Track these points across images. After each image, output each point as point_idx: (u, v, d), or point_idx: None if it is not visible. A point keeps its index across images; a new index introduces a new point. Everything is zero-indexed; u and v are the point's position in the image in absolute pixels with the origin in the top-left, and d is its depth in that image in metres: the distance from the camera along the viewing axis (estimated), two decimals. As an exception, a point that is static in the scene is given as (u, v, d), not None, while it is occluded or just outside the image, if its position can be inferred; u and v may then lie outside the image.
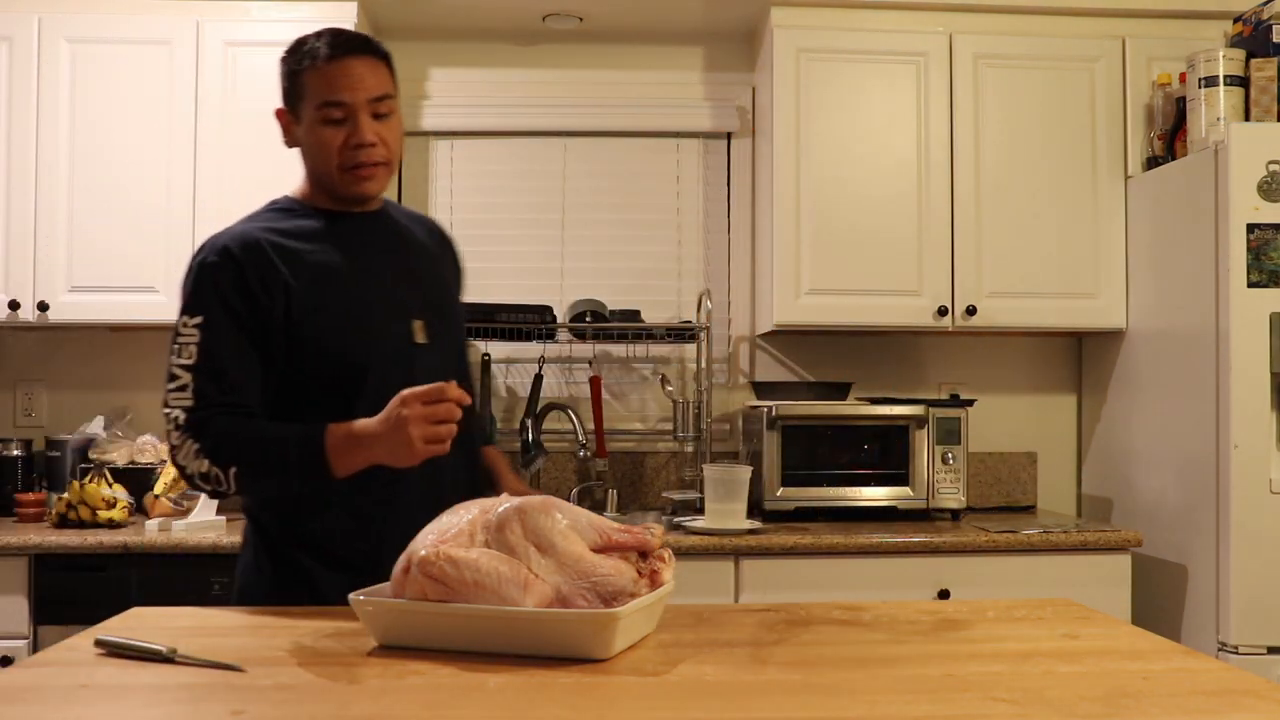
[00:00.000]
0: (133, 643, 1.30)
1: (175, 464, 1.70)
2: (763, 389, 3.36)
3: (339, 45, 1.77)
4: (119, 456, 3.21)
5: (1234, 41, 3.11)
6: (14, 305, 3.08)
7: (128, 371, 3.45)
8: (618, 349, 3.56)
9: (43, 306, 3.09)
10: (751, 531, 2.87)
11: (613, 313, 3.38)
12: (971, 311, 3.23)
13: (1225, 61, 3.00)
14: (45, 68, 3.11)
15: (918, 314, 3.24)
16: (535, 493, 1.77)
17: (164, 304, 3.10)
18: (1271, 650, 2.72)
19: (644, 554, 1.36)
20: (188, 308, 1.73)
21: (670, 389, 3.51)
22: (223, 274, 1.72)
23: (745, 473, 2.92)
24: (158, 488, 3.00)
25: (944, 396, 3.49)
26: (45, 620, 2.73)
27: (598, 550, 1.34)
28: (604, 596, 1.29)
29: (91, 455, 3.22)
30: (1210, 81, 3.00)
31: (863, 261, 3.22)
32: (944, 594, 2.83)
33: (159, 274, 3.11)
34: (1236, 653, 2.72)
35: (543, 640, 1.27)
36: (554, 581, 1.30)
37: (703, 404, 3.42)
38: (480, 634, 1.29)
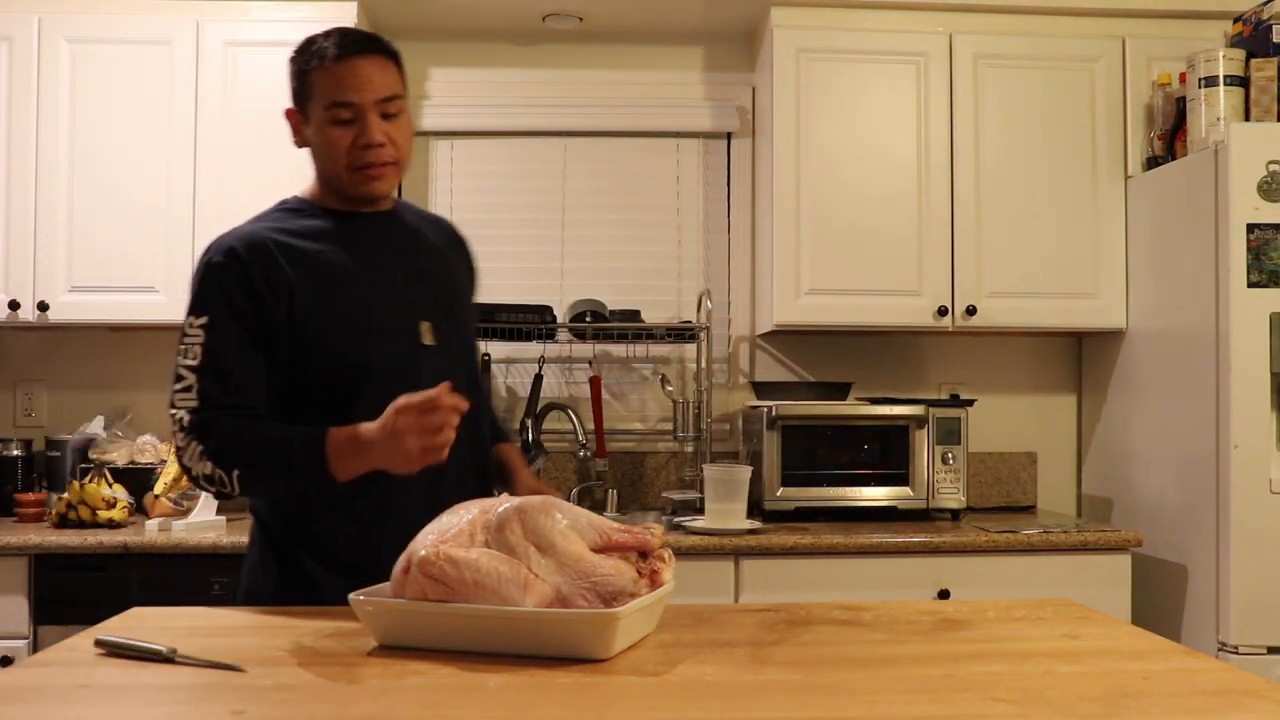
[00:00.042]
0: (133, 643, 1.30)
1: (181, 465, 1.70)
2: (763, 389, 3.36)
3: (347, 45, 1.76)
4: (119, 456, 3.21)
5: (1234, 41, 3.11)
6: (14, 305, 3.08)
7: (128, 371, 3.45)
8: (618, 349, 3.56)
9: (43, 306, 3.09)
10: (751, 531, 2.87)
11: (613, 313, 3.38)
12: (971, 311, 3.23)
13: (1225, 61, 3.00)
14: (45, 68, 3.11)
15: (918, 314, 3.24)
16: (550, 489, 1.78)
17: (164, 304, 3.11)
18: (1271, 650, 2.72)
19: (644, 554, 1.36)
20: (194, 308, 1.73)
21: (670, 389, 3.51)
22: (228, 275, 1.72)
23: (745, 473, 2.92)
24: (158, 488, 3.00)
25: (944, 396, 3.49)
26: (45, 620, 2.73)
27: (598, 550, 1.34)
28: (604, 596, 1.29)
29: (91, 455, 3.22)
30: (1210, 81, 3.00)
31: (863, 261, 3.22)
32: (944, 594, 2.83)
33: (159, 274, 3.11)
34: (1236, 653, 2.72)
35: (543, 640, 1.27)
36: (554, 581, 1.30)
37: (703, 404, 3.42)
38: (480, 634, 1.29)
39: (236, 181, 3.10)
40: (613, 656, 1.28)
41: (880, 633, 1.45)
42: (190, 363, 1.69)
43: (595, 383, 3.43)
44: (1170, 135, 3.19)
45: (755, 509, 3.04)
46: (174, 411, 1.70)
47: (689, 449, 3.53)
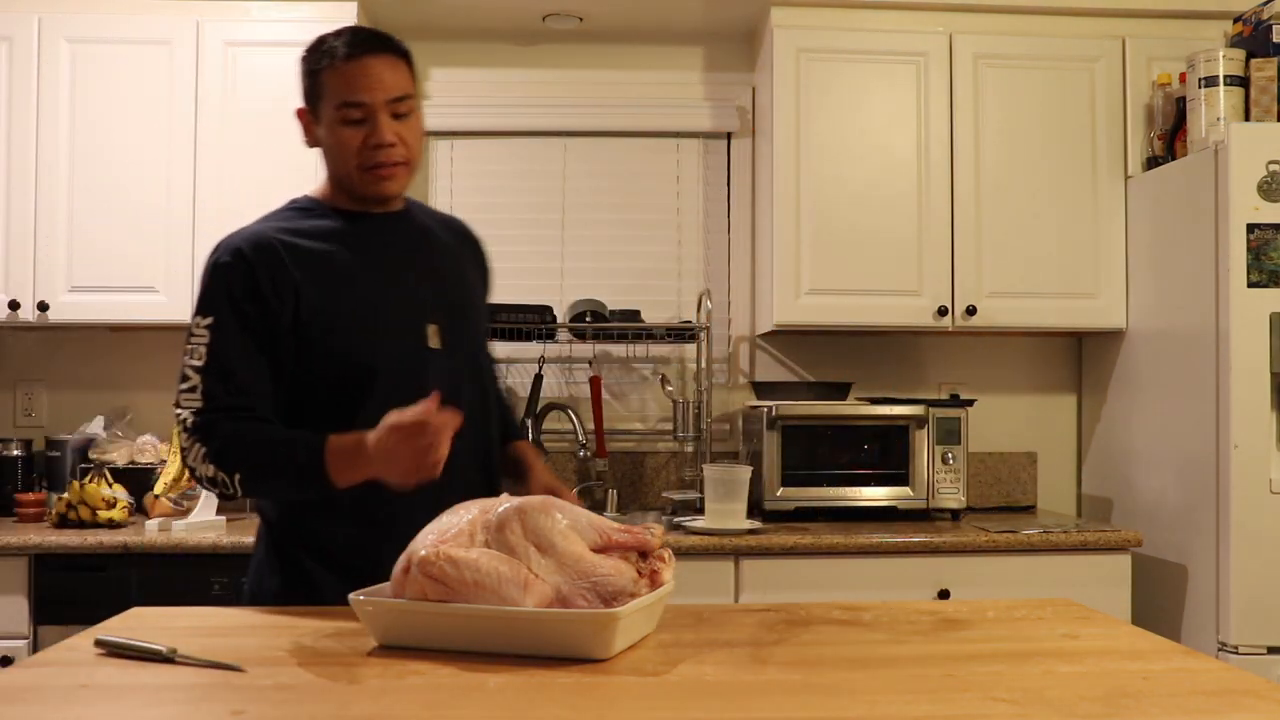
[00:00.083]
0: (133, 643, 1.30)
1: (186, 465, 1.71)
2: (763, 389, 3.36)
3: (358, 44, 1.75)
4: (119, 456, 3.21)
5: (1234, 41, 3.11)
6: (14, 305, 3.08)
7: (128, 371, 3.45)
8: (618, 349, 3.56)
9: (43, 306, 3.09)
10: (751, 531, 2.87)
11: (613, 313, 3.38)
12: (971, 311, 3.23)
13: (1225, 61, 3.00)
14: (45, 68, 3.11)
15: (918, 314, 3.24)
16: (566, 486, 1.77)
17: (164, 304, 3.11)
18: (1271, 650, 2.72)
19: (644, 554, 1.36)
20: (200, 308, 1.73)
21: (670, 389, 3.51)
22: (234, 275, 1.71)
23: (745, 473, 2.92)
24: (158, 488, 3.00)
25: (944, 396, 3.49)
26: (45, 620, 2.73)
27: (598, 550, 1.34)
28: (604, 596, 1.29)
29: (91, 455, 3.22)
30: (1210, 81, 3.00)
31: (863, 261, 3.22)
32: (944, 594, 2.83)
33: (159, 274, 3.11)
34: (1236, 653, 2.72)
35: (543, 640, 1.27)
36: (554, 581, 1.30)
37: (703, 404, 3.42)
38: (480, 634, 1.29)
39: (236, 181, 3.10)
40: (613, 656, 1.28)
41: (880, 633, 1.45)
42: (195, 363, 1.69)
43: (595, 383, 3.43)
44: (1170, 135, 3.19)
45: (755, 509, 3.04)
46: (179, 411, 1.70)
47: (689, 449, 3.53)
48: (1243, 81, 3.00)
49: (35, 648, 2.70)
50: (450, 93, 3.59)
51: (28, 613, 2.73)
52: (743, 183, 3.63)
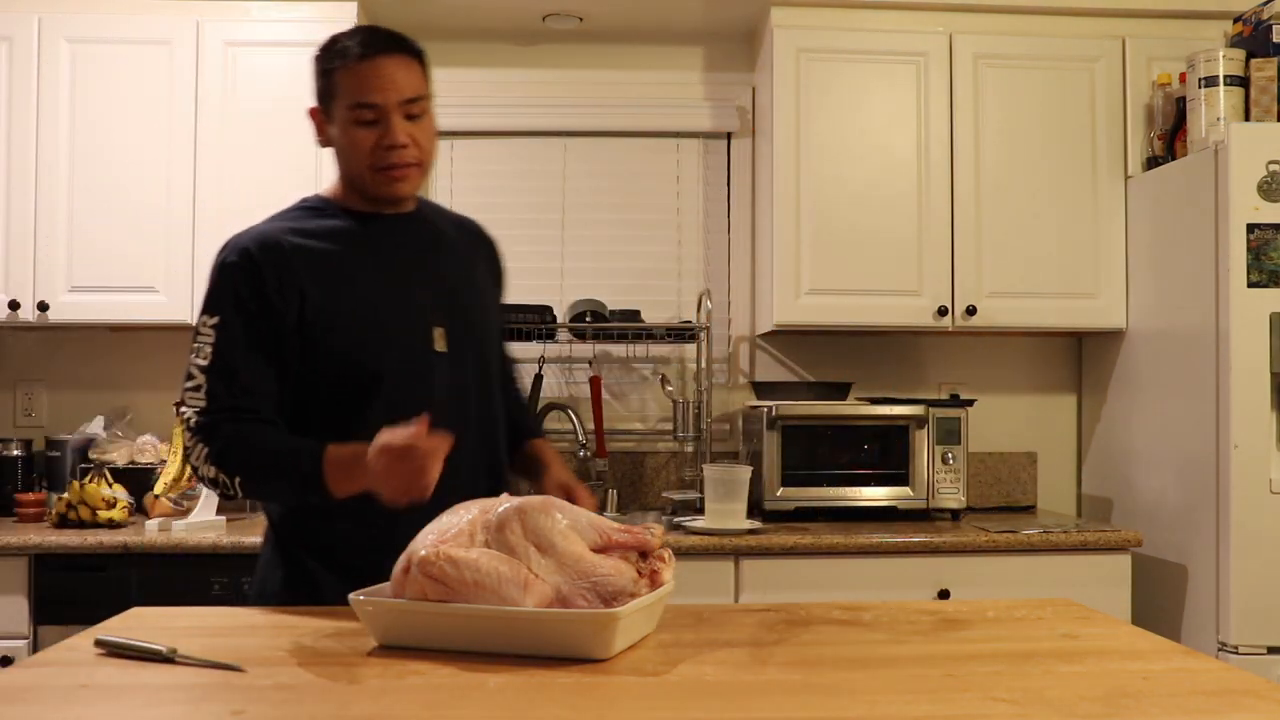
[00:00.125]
0: (133, 643, 1.30)
1: (189, 464, 1.71)
2: (763, 389, 3.36)
3: (371, 44, 1.75)
4: (119, 456, 3.21)
5: (1234, 41, 3.11)
6: (14, 305, 3.08)
7: (128, 371, 3.45)
8: (618, 349, 3.56)
9: (43, 306, 3.09)
10: (751, 531, 2.87)
11: (613, 313, 3.38)
12: (971, 311, 3.23)
13: (1225, 61, 3.00)
14: (45, 68, 3.11)
15: (918, 314, 3.24)
16: (582, 484, 1.76)
17: (164, 304, 3.11)
18: (1271, 650, 2.72)
19: (644, 554, 1.36)
20: (206, 307, 1.73)
21: (670, 389, 3.51)
22: (240, 275, 1.71)
23: (745, 473, 2.92)
24: (158, 488, 3.00)
25: (944, 396, 3.49)
26: (45, 620, 2.73)
27: (598, 550, 1.34)
28: (604, 596, 1.29)
29: (91, 455, 3.22)
30: (1210, 81, 3.00)
31: (863, 261, 3.22)
32: (944, 594, 2.83)
33: (159, 274, 3.11)
34: (1236, 653, 2.72)
35: (543, 640, 1.27)
36: (554, 581, 1.30)
37: (703, 404, 3.42)
38: (480, 634, 1.29)
39: (236, 181, 3.10)
40: (613, 656, 1.28)
41: (880, 633, 1.45)
42: (201, 362, 1.70)
43: (595, 383, 3.43)
44: (1170, 135, 3.19)
45: (755, 509, 3.04)
46: (183, 410, 1.70)
47: (689, 449, 3.53)
48: (1243, 81, 3.00)
49: (35, 648, 2.70)
50: (450, 93, 3.57)
51: (28, 613, 2.73)
52: (743, 183, 3.63)
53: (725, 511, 2.88)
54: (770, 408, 3.13)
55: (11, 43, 3.10)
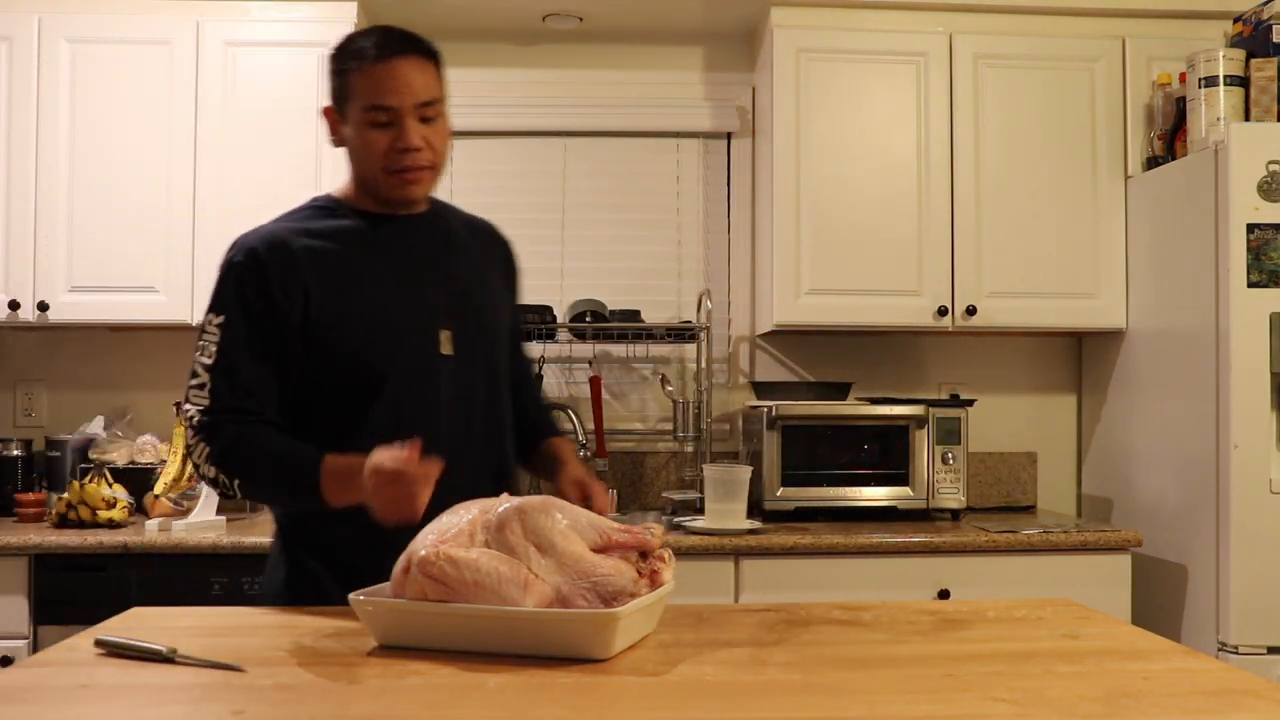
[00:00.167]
0: (133, 643, 1.30)
1: (191, 461, 1.71)
2: (763, 389, 3.36)
3: (387, 46, 1.74)
4: (119, 456, 3.21)
5: (1234, 41, 3.11)
6: (14, 305, 3.08)
7: (128, 371, 3.45)
8: (618, 349, 3.56)
9: (43, 306, 3.09)
10: (751, 531, 2.87)
11: (613, 313, 3.38)
12: (971, 311, 3.23)
13: (1225, 61, 3.00)
14: (45, 68, 3.11)
15: (918, 314, 3.24)
16: (595, 479, 1.76)
17: (164, 304, 3.11)
18: (1271, 650, 2.72)
19: (644, 554, 1.36)
20: (212, 306, 1.73)
21: (670, 389, 3.51)
22: (246, 275, 1.71)
23: (745, 473, 2.92)
24: (158, 488, 3.00)
25: (944, 396, 3.49)
26: (45, 620, 2.73)
27: (598, 550, 1.34)
28: (604, 596, 1.29)
29: (91, 455, 3.22)
30: (1210, 81, 3.00)
31: (863, 261, 3.22)
32: (944, 594, 2.83)
33: (159, 274, 3.11)
34: (1236, 653, 2.72)
35: (543, 640, 1.27)
36: (554, 581, 1.30)
37: (703, 404, 3.42)
38: (480, 634, 1.29)
39: (236, 181, 3.10)
40: (613, 656, 1.28)
41: (880, 633, 1.45)
42: (206, 360, 1.70)
43: (595, 383, 3.43)
44: (1170, 135, 3.19)
45: (755, 509, 3.04)
46: (186, 407, 1.71)
47: (689, 449, 3.53)
48: (1243, 81, 3.00)
49: (35, 648, 2.70)
50: (450, 92, 3.58)
51: (28, 613, 2.73)
52: (743, 183, 3.63)
53: (725, 511, 2.88)
54: (770, 408, 3.13)
55: (11, 43, 3.10)
